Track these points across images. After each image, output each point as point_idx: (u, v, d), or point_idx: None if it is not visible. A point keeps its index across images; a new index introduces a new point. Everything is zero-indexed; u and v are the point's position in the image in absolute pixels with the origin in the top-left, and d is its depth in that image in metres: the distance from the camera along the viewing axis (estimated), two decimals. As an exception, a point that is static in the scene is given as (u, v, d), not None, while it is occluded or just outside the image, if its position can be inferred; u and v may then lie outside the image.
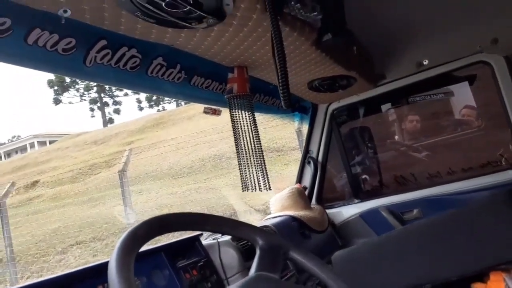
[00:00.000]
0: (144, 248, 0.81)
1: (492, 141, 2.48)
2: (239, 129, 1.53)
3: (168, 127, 17.44)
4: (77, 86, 30.45)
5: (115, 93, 32.14)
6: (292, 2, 1.16)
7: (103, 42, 1.13)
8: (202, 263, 1.41)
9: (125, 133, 18.97)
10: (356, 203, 2.48)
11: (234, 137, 1.55)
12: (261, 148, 1.58)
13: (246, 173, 1.53)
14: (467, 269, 1.63)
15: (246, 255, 1.54)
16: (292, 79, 1.73)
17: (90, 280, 1.12)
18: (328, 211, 2.46)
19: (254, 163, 1.54)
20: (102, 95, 32.11)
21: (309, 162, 2.52)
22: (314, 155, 2.52)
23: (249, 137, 1.54)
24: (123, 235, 0.74)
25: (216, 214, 1.05)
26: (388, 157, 2.83)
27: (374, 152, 2.71)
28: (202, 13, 1.00)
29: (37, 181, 14.79)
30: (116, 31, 1.09)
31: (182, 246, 1.45)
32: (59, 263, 8.42)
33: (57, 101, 30.75)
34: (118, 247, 0.71)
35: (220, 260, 1.51)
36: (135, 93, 31.73)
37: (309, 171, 2.53)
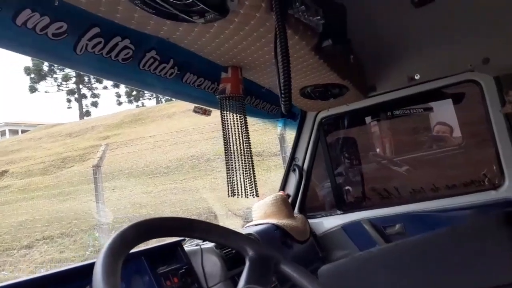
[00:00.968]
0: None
1: (476, 160, 2.50)
2: (229, 132, 1.49)
3: (146, 124, 17.12)
4: (55, 76, 29.46)
5: (94, 85, 31.26)
6: (297, 3, 1.13)
7: (96, 30, 1.07)
8: (183, 270, 1.36)
9: (101, 127, 18.50)
10: (338, 214, 2.45)
11: (224, 140, 1.50)
12: (251, 153, 1.53)
13: (233, 177, 1.48)
14: None
15: (230, 263, 1.49)
16: (285, 84, 1.69)
17: (74, 282, 1.09)
18: (310, 221, 2.42)
19: (243, 167, 1.49)
20: (81, 86, 31.18)
21: (294, 170, 2.49)
22: (299, 163, 2.48)
23: (239, 140, 1.50)
24: (111, 238, 0.70)
25: (200, 219, 1.00)
26: (372, 170, 2.82)
27: (359, 164, 2.69)
28: (205, 7, 0.95)
29: (5, 171, 14.25)
30: (112, 19, 1.03)
31: (163, 251, 1.39)
32: (23, 258, 8.12)
33: (33, 89, 29.68)
34: (105, 250, 0.68)
35: (203, 267, 1.45)
36: (115, 86, 31.06)
37: (293, 178, 2.49)
